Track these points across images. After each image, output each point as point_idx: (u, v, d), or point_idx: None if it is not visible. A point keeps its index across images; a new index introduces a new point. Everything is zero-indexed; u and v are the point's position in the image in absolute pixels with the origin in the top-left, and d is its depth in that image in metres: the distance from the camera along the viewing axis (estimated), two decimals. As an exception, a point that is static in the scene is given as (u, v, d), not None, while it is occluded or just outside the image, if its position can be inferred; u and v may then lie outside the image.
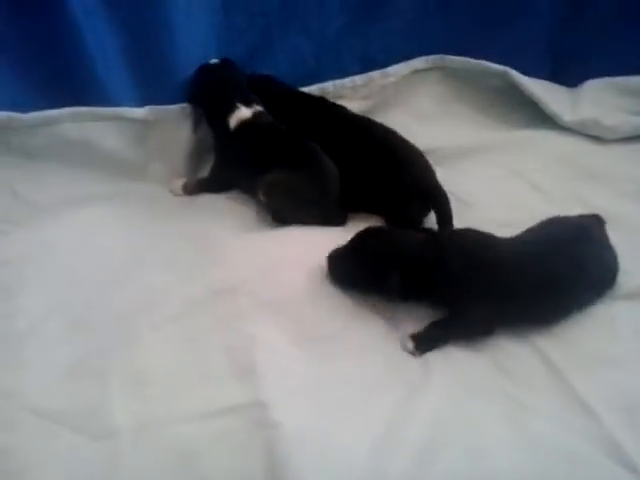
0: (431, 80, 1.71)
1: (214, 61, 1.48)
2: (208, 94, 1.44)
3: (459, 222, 1.41)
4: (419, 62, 1.70)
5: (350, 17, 1.61)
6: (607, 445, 0.99)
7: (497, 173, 1.57)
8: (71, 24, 1.31)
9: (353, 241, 1.19)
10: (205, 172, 1.53)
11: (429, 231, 1.32)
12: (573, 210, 1.44)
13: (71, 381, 1.05)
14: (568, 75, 1.73)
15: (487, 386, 1.08)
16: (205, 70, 1.46)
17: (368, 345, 1.14)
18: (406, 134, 1.65)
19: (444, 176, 1.54)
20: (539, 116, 1.68)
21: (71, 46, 1.33)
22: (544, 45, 1.71)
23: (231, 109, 1.43)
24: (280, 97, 1.52)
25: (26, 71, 1.35)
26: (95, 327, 1.14)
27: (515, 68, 1.69)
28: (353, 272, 1.18)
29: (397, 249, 1.16)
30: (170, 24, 1.40)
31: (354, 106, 1.64)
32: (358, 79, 1.67)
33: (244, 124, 1.42)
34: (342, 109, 1.55)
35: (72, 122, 1.42)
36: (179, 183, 1.49)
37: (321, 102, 1.55)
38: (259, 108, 1.46)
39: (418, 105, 1.71)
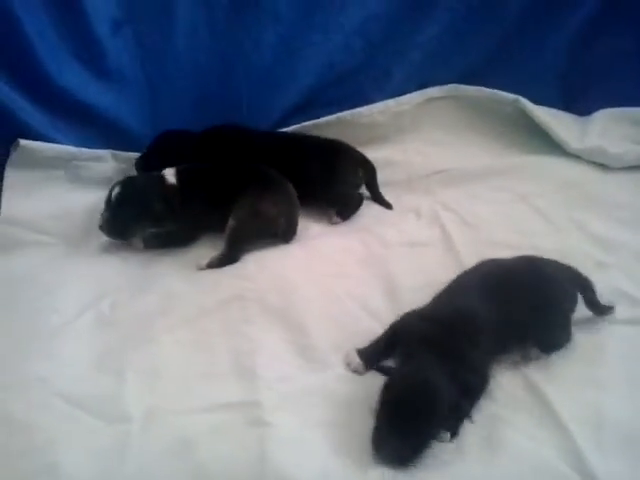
0: (445, 108, 1.82)
1: None
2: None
3: (463, 243, 1.51)
4: (434, 91, 1.81)
5: (371, 53, 1.74)
6: (572, 456, 1.05)
7: (503, 197, 1.65)
8: None
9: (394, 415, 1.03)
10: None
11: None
12: (570, 235, 1.51)
13: (94, 372, 1.20)
14: (580, 105, 1.81)
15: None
16: None
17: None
18: (419, 158, 1.77)
19: (452, 197, 1.65)
20: (549, 143, 1.75)
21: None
22: (557, 77, 1.81)
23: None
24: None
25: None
26: (118, 326, 1.30)
27: (528, 98, 1.77)
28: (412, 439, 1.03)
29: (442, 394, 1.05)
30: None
31: (370, 133, 1.77)
32: (375, 107, 1.78)
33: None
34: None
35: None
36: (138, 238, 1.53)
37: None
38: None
39: (431, 131, 1.81)
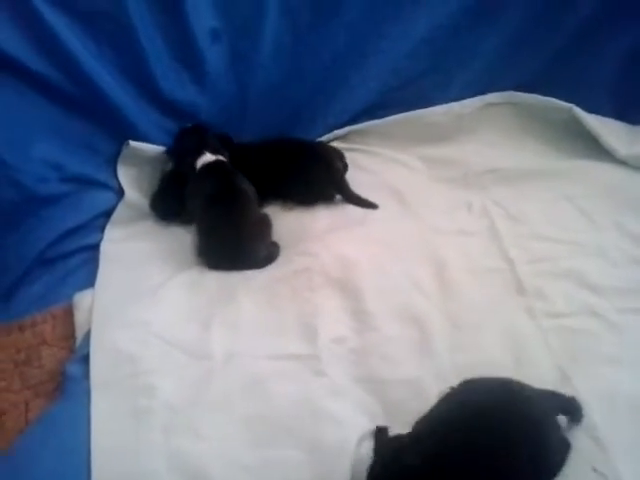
0: (502, 113, 1.97)
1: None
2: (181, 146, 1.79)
3: (507, 234, 1.67)
4: (492, 97, 1.97)
5: (435, 60, 1.92)
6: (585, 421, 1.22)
7: (550, 196, 1.79)
8: None
9: None
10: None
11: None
12: (609, 234, 1.65)
13: (185, 321, 1.48)
14: (631, 115, 1.92)
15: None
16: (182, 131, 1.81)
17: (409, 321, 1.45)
18: (475, 157, 1.94)
19: (503, 194, 1.81)
20: (598, 149, 1.87)
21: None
22: (610, 87, 1.92)
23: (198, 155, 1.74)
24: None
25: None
26: (205, 288, 1.57)
27: (581, 107, 1.90)
28: None
29: None
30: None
31: (432, 133, 1.96)
32: (439, 109, 1.96)
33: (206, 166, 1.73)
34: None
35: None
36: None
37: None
38: (221, 157, 1.75)
39: (488, 134, 1.97)
